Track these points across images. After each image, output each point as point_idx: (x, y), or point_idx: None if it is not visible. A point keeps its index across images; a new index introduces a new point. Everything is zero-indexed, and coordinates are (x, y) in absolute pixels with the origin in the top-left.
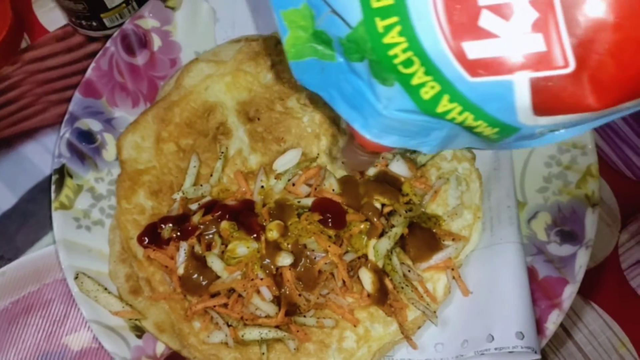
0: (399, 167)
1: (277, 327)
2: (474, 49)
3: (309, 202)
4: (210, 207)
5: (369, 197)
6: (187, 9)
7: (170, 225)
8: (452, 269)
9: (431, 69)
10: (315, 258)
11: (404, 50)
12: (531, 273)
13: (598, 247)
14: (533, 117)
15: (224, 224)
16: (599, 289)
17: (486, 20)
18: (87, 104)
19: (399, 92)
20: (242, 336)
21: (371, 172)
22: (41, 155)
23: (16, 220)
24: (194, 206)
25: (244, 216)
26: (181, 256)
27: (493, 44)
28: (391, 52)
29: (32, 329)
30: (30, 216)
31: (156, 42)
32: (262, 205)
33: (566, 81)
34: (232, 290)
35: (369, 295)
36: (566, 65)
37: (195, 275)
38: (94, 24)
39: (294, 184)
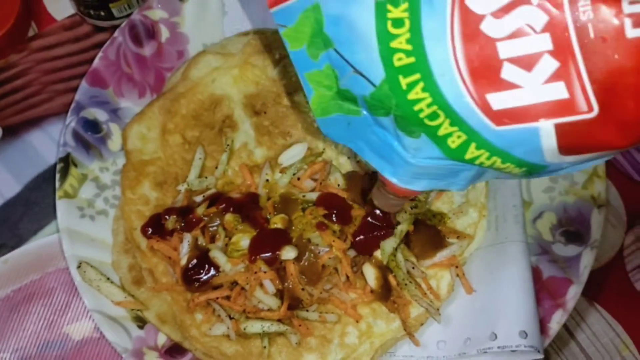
0: None
1: (279, 320)
2: (498, 100)
3: (313, 196)
4: (214, 200)
5: None
6: (195, 1)
7: (175, 216)
8: (456, 267)
9: (456, 120)
10: (319, 252)
11: (429, 105)
12: (535, 273)
13: (603, 249)
14: (560, 157)
15: (228, 217)
16: (603, 290)
17: (508, 72)
18: (93, 94)
19: (425, 142)
20: (244, 329)
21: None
22: (46, 144)
23: (19, 208)
24: (198, 198)
25: (248, 209)
26: (184, 247)
27: (516, 94)
28: (416, 108)
29: (33, 318)
30: (34, 204)
31: (164, 33)
32: (267, 199)
33: (591, 125)
34: (235, 283)
35: (372, 291)
36: (590, 110)
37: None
38: (102, 13)
39: (299, 178)
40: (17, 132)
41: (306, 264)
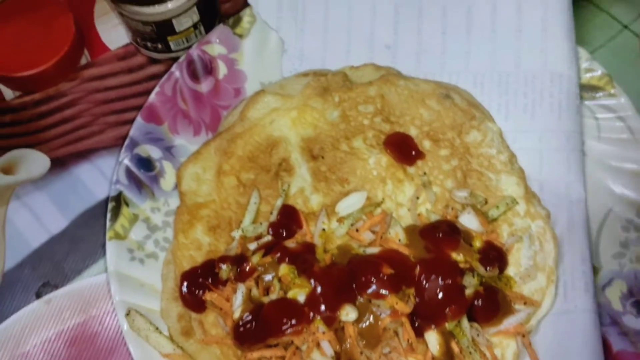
0: (469, 220)
1: None
2: None
3: (374, 251)
4: (269, 248)
5: None
6: (255, 37)
7: (229, 265)
8: (523, 336)
9: None
10: (380, 314)
11: None
12: (604, 345)
13: None
14: None
15: (284, 269)
16: None
17: None
18: (148, 130)
19: None
20: None
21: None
22: (95, 178)
23: (65, 246)
24: (252, 245)
25: (304, 261)
26: (238, 299)
27: None
28: None
29: None
30: (80, 242)
31: (222, 69)
32: (323, 250)
33: None
34: (290, 342)
35: (433, 357)
36: None
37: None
38: (160, 46)
39: (357, 230)
40: (66, 164)
41: (366, 325)
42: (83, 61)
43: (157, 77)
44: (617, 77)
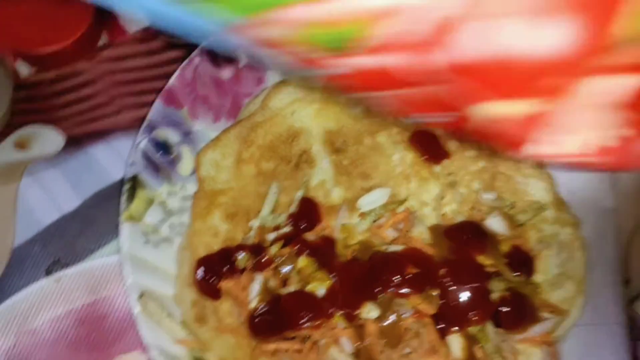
0: (496, 224)
1: None
2: None
3: (398, 249)
4: (288, 239)
5: None
6: None
7: (247, 253)
8: (549, 345)
9: None
10: (402, 314)
11: None
12: None
13: None
14: None
15: (303, 261)
16: None
17: None
18: (167, 113)
19: None
20: None
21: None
22: (111, 158)
23: (77, 225)
24: (271, 235)
25: (323, 254)
26: (255, 289)
27: None
28: None
29: (82, 345)
30: (92, 222)
31: (243, 58)
32: (344, 245)
33: None
34: (308, 336)
35: None
36: None
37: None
38: None
39: (380, 226)
40: (81, 143)
41: (387, 324)
42: (101, 42)
43: (176, 61)
44: None
